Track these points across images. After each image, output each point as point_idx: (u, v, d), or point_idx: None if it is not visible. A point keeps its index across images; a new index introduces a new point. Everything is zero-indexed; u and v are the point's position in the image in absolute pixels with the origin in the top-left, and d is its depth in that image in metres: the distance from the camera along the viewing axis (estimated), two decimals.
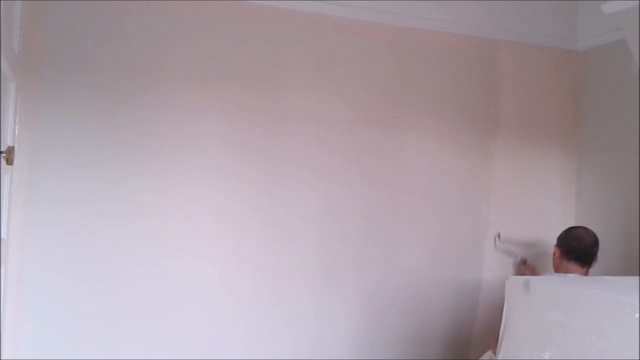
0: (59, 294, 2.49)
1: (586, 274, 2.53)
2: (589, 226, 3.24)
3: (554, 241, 3.34)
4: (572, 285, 1.87)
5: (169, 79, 2.66)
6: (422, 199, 3.07)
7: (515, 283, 2.01)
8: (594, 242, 2.53)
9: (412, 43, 3.07)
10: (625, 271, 2.88)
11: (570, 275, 2.45)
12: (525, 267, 3.04)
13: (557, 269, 2.57)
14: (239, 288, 2.76)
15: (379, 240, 2.99)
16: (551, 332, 1.75)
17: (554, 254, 2.59)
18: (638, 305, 1.46)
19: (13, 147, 2.14)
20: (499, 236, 3.15)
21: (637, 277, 1.96)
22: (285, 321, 2.83)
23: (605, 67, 3.22)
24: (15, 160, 2.17)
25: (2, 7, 1.78)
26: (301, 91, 2.87)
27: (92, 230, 2.54)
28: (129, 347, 2.57)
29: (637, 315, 1.45)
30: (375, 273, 2.98)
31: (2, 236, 2.18)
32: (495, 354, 2.42)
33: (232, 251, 2.75)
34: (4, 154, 2.04)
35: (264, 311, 2.80)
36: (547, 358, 1.73)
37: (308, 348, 2.86)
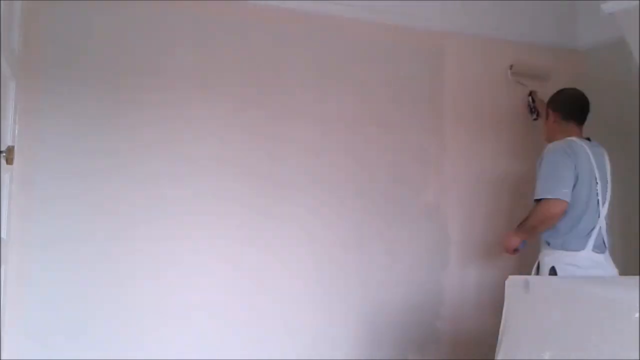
0: (59, 294, 2.49)
1: (581, 133, 2.62)
2: None
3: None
4: (572, 285, 1.87)
5: (170, 79, 2.66)
6: (422, 199, 3.07)
7: (515, 283, 2.01)
8: (588, 100, 2.65)
9: (412, 43, 3.07)
10: (625, 271, 2.88)
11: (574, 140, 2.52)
12: (536, 100, 3.13)
13: (555, 136, 2.61)
14: (238, 287, 2.76)
15: (378, 241, 2.99)
16: (551, 332, 1.75)
17: (547, 121, 2.67)
18: (638, 305, 1.46)
19: (13, 147, 2.14)
20: (510, 67, 3.16)
21: (637, 277, 1.96)
22: (285, 321, 2.83)
23: (605, 67, 3.22)
24: (15, 160, 2.17)
25: (2, 7, 1.78)
26: (302, 90, 2.87)
27: (92, 230, 2.53)
28: (129, 347, 2.57)
29: (637, 315, 1.45)
30: (375, 274, 2.98)
31: (2, 236, 2.18)
32: None
33: (231, 251, 2.75)
34: (4, 154, 2.04)
35: (263, 311, 2.79)
36: (547, 358, 1.73)
37: (307, 348, 2.86)
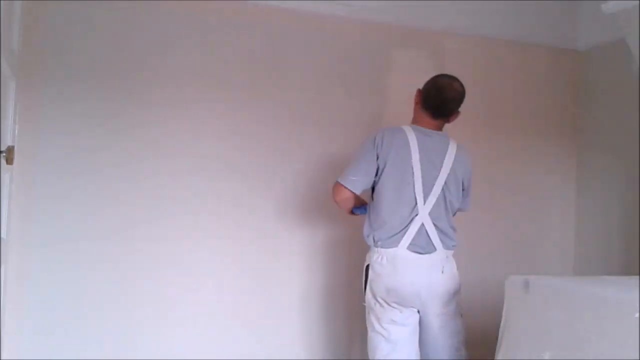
0: (59, 294, 2.49)
1: (439, 127, 2.35)
2: (588, 226, 3.26)
3: (553, 243, 3.35)
4: (572, 285, 1.87)
5: (169, 79, 2.66)
6: None
7: (515, 283, 2.01)
8: (456, 97, 2.33)
9: (413, 43, 3.07)
10: (625, 271, 2.88)
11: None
12: None
13: (414, 114, 2.40)
14: (238, 287, 2.76)
15: None
16: (551, 332, 1.75)
17: (415, 97, 2.37)
18: (638, 305, 1.46)
19: (13, 147, 2.14)
20: None
21: (637, 277, 1.96)
22: (284, 322, 2.83)
23: (605, 67, 3.22)
24: (15, 160, 2.17)
25: (2, 7, 1.78)
26: (302, 90, 2.87)
27: (92, 229, 2.53)
28: (129, 347, 2.57)
29: (637, 315, 1.45)
30: None
31: (2, 236, 2.18)
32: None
33: (231, 250, 2.75)
34: (4, 154, 2.04)
35: (264, 311, 2.80)
36: (547, 358, 1.74)
37: (308, 348, 2.86)
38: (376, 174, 2.28)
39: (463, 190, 2.39)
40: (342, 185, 2.29)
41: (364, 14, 2.96)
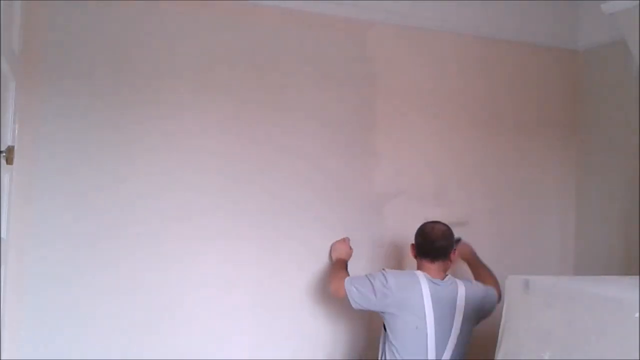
0: (59, 294, 2.49)
1: (442, 270, 2.48)
2: (588, 226, 3.26)
3: (553, 243, 3.35)
4: (572, 285, 1.87)
5: (170, 79, 2.66)
6: (422, 200, 3.07)
7: (515, 282, 2.01)
8: (442, 236, 2.50)
9: (414, 43, 3.07)
10: (625, 271, 2.88)
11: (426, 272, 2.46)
12: (462, 245, 2.79)
13: (417, 266, 2.55)
14: (238, 287, 2.76)
15: (377, 241, 2.99)
16: (551, 332, 1.75)
17: (411, 252, 2.60)
18: (638, 305, 1.46)
19: (13, 147, 2.14)
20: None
21: (637, 277, 1.96)
22: (284, 322, 2.83)
23: (605, 67, 3.23)
24: (15, 160, 2.17)
25: (2, 7, 1.78)
26: (302, 91, 2.87)
27: (92, 230, 2.53)
28: (129, 347, 2.57)
29: (637, 315, 1.45)
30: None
31: (2, 236, 2.18)
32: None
33: (232, 250, 2.75)
34: (4, 154, 2.04)
35: (263, 312, 2.80)
36: (547, 358, 1.73)
37: (307, 349, 2.86)
38: (382, 311, 2.45)
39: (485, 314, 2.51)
40: (344, 289, 2.48)
41: (362, 14, 2.95)
